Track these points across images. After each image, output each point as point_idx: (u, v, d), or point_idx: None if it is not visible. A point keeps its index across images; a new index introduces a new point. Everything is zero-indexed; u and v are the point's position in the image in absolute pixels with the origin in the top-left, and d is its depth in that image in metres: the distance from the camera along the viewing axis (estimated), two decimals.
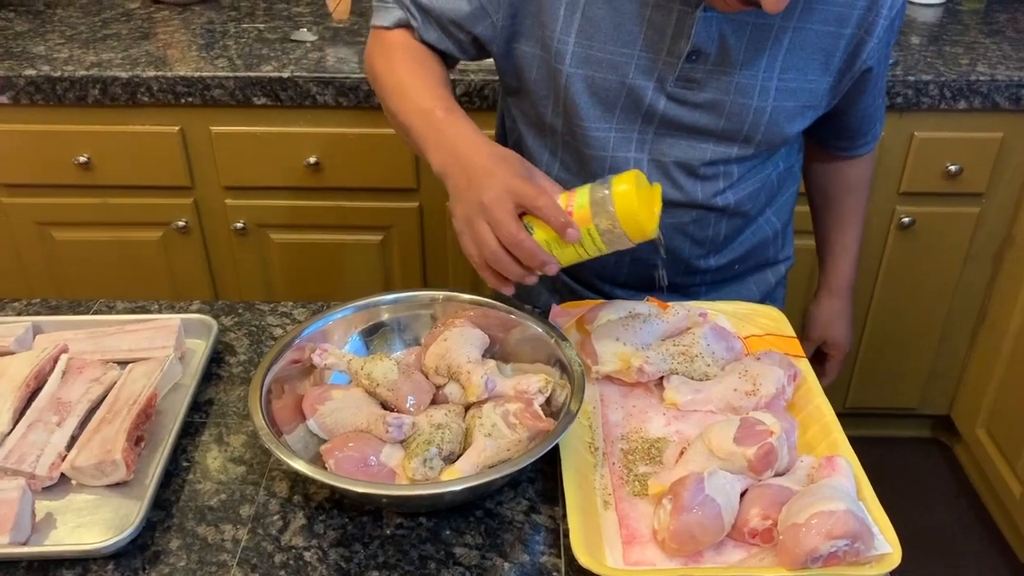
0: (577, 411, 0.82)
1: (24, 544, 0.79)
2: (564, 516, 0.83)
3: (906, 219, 1.87)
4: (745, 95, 1.00)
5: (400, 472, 0.83)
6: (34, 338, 1.03)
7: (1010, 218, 1.88)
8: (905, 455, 2.21)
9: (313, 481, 0.86)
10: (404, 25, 1.06)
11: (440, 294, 0.97)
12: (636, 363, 0.92)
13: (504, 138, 1.21)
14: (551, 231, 0.84)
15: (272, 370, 0.88)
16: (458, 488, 0.77)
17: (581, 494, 0.81)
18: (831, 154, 1.24)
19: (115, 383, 0.95)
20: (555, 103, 1.04)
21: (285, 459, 0.78)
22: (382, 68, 1.04)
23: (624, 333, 0.96)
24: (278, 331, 1.08)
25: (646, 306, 1.00)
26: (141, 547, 0.80)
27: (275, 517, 0.83)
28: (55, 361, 0.96)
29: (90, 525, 0.82)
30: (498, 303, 0.95)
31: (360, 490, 0.77)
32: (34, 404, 0.91)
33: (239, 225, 1.92)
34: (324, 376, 0.93)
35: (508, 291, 0.88)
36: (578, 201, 0.84)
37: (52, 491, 0.85)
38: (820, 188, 1.29)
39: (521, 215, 0.84)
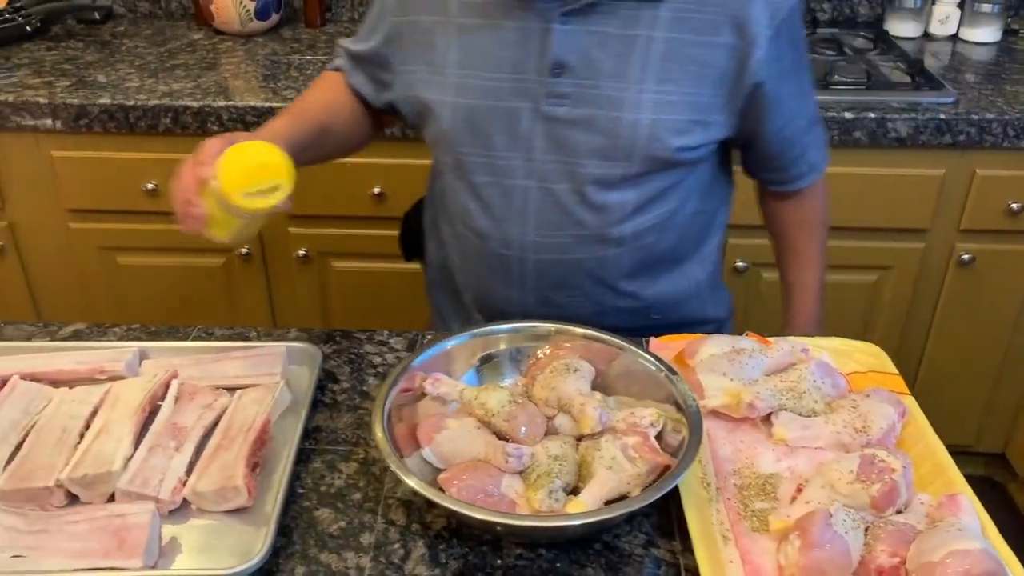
0: (698, 448, 0.83)
1: (153, 568, 0.80)
2: (682, 551, 0.83)
3: (966, 256, 1.88)
4: (617, 108, 1.00)
5: (520, 502, 0.84)
6: (140, 363, 1.04)
7: None
8: None
9: (430, 509, 0.87)
10: (341, 69, 1.22)
11: (553, 326, 0.98)
12: (747, 398, 0.92)
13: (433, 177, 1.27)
14: (216, 187, 0.90)
15: (390, 396, 0.89)
16: (594, 520, 0.78)
17: (702, 529, 0.82)
18: (769, 190, 1.23)
19: (226, 409, 0.96)
20: (442, 136, 1.10)
21: (423, 491, 0.79)
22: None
23: (730, 368, 0.96)
24: (377, 359, 1.09)
25: (748, 341, 1.01)
26: (267, 573, 0.81)
27: (396, 545, 0.84)
28: (166, 387, 0.98)
29: (213, 550, 0.83)
30: (611, 338, 0.96)
31: (506, 522, 0.78)
32: (151, 429, 0.92)
33: (301, 253, 1.94)
34: (439, 405, 0.93)
35: (182, 228, 0.95)
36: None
37: (173, 515, 0.86)
38: (770, 225, 1.27)
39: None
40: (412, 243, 1.46)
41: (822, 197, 1.23)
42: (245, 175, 0.91)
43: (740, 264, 1.90)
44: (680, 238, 1.14)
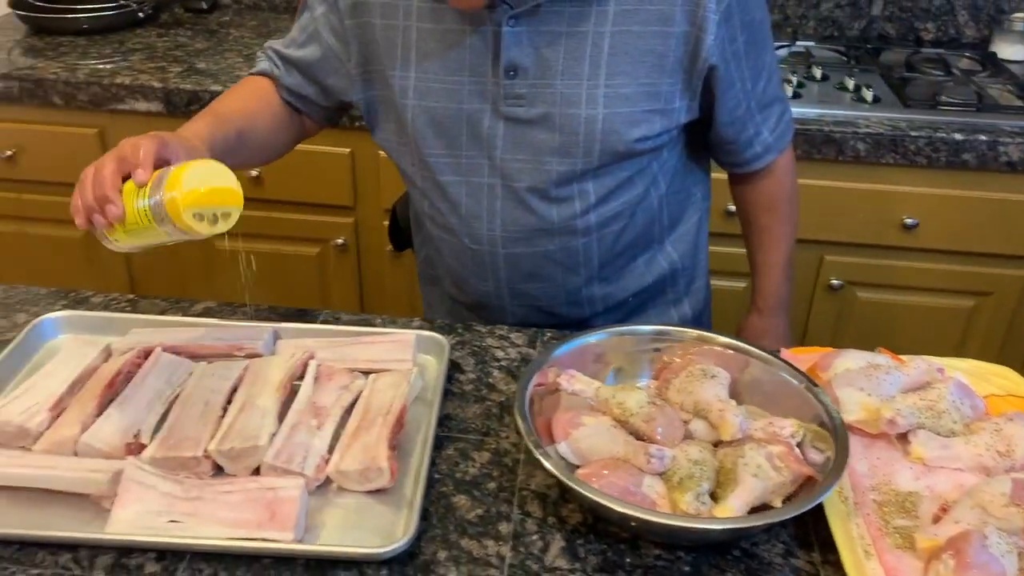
0: (846, 460, 0.82)
1: (301, 542, 0.81)
2: (822, 562, 0.83)
3: None
4: (572, 105, 1.02)
5: (661, 503, 0.84)
6: (275, 343, 1.07)
7: None
8: None
9: (565, 504, 0.88)
10: (268, 73, 1.18)
11: (695, 332, 0.98)
12: (887, 415, 0.91)
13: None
14: (160, 198, 0.84)
15: (529, 387, 0.90)
16: (741, 526, 0.78)
17: (846, 542, 0.81)
18: (731, 173, 1.23)
19: (361, 391, 0.98)
20: (406, 139, 1.10)
21: (570, 482, 0.79)
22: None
23: (867, 383, 0.95)
24: (500, 353, 1.10)
25: (883, 357, 1.00)
26: (411, 555, 0.82)
27: (534, 536, 0.84)
28: (304, 366, 1.00)
29: (355, 528, 0.84)
30: (749, 347, 0.96)
31: (654, 520, 0.78)
32: (293, 407, 0.94)
33: None
34: (573, 401, 0.94)
35: (79, 221, 0.88)
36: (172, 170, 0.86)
37: (314, 492, 0.88)
38: (737, 206, 1.28)
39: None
40: (400, 235, 1.48)
41: (784, 177, 1.23)
42: (203, 195, 0.84)
43: (835, 282, 1.88)
44: (651, 221, 1.16)
